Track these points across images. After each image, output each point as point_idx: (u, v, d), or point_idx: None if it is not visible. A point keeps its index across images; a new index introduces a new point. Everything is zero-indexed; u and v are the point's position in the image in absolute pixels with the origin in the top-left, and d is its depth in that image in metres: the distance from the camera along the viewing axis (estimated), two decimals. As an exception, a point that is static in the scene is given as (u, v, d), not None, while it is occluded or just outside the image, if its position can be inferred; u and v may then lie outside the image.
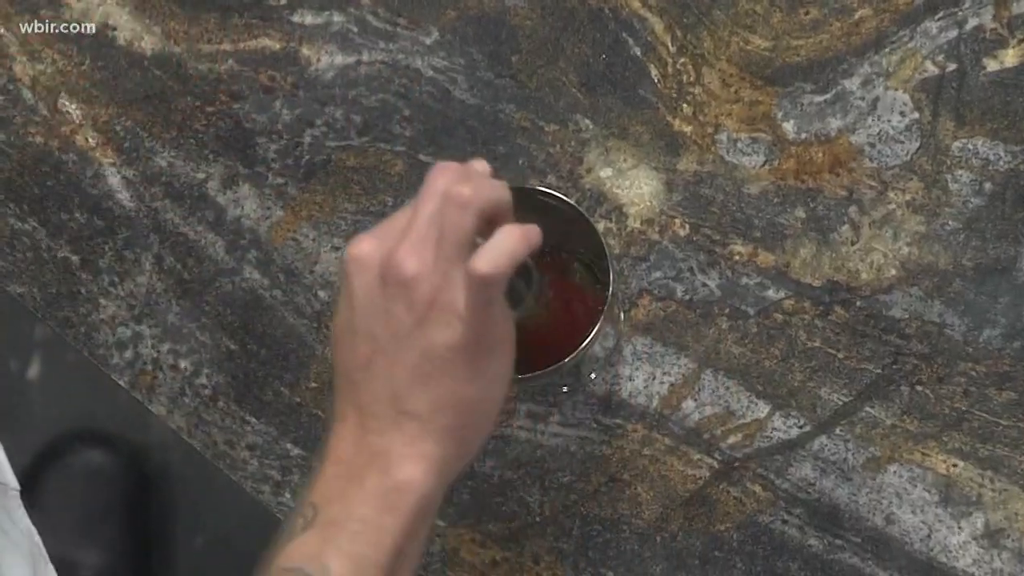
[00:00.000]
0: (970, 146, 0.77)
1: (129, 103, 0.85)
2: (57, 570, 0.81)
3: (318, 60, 0.84)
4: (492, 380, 0.59)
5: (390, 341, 0.57)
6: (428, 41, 0.83)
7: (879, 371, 0.75)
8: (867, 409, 0.75)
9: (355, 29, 0.84)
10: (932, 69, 0.78)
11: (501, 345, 0.59)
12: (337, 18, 0.84)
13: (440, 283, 0.56)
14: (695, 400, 0.76)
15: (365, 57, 0.84)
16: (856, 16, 0.80)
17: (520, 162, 0.81)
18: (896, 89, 0.78)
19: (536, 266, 0.62)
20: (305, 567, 0.54)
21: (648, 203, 0.79)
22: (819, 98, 0.79)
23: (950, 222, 0.76)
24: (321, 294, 0.81)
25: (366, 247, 0.57)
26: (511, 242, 0.56)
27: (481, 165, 0.59)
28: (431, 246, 0.56)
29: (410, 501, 0.56)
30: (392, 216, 0.59)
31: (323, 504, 0.57)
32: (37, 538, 0.69)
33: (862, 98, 0.78)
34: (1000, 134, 0.77)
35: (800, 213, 0.78)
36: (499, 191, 0.57)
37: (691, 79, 0.80)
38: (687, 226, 0.78)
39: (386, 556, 0.55)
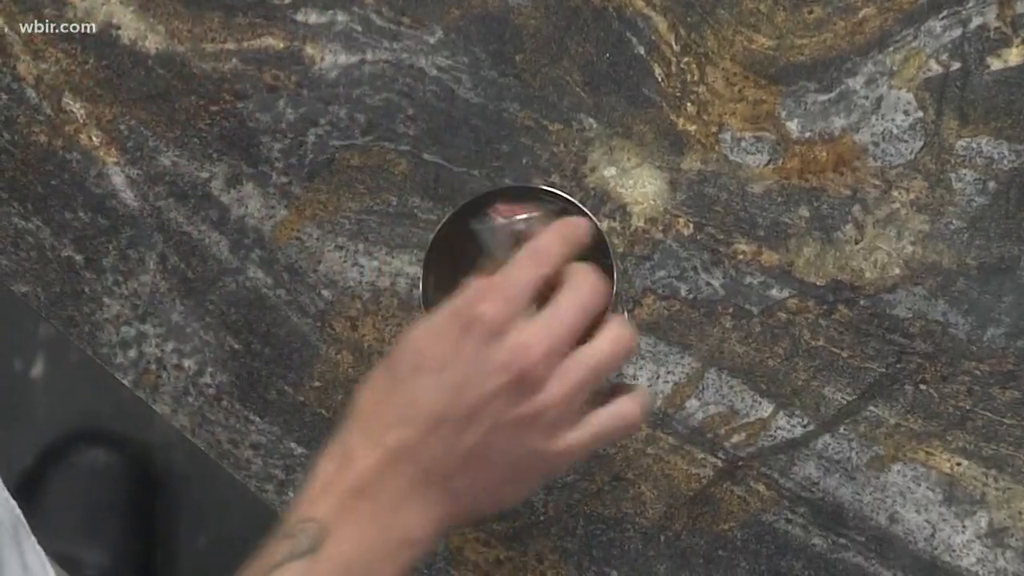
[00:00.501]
0: (974, 145, 0.77)
1: (133, 102, 0.85)
2: (61, 569, 0.81)
3: (322, 59, 0.84)
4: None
5: (489, 425, 0.56)
6: (432, 40, 0.83)
7: (883, 370, 0.75)
8: (871, 408, 0.75)
9: (359, 28, 0.84)
10: (936, 68, 0.78)
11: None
12: (341, 17, 0.84)
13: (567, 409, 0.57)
14: (699, 399, 0.76)
15: (369, 56, 0.84)
16: (860, 15, 0.80)
17: (524, 161, 0.81)
18: (900, 88, 0.78)
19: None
20: None
21: (652, 202, 0.79)
22: (823, 97, 0.79)
23: (954, 221, 0.76)
24: (325, 293, 0.81)
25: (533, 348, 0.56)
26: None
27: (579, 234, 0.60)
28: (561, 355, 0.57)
29: (414, 555, 0.56)
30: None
31: (332, 533, 0.55)
32: (18, 511, 0.69)
33: (866, 97, 0.78)
34: (1004, 133, 0.77)
35: (804, 212, 0.78)
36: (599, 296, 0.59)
37: (695, 78, 0.80)
38: (691, 225, 0.78)
39: None
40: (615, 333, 0.58)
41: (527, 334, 0.55)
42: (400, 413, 0.56)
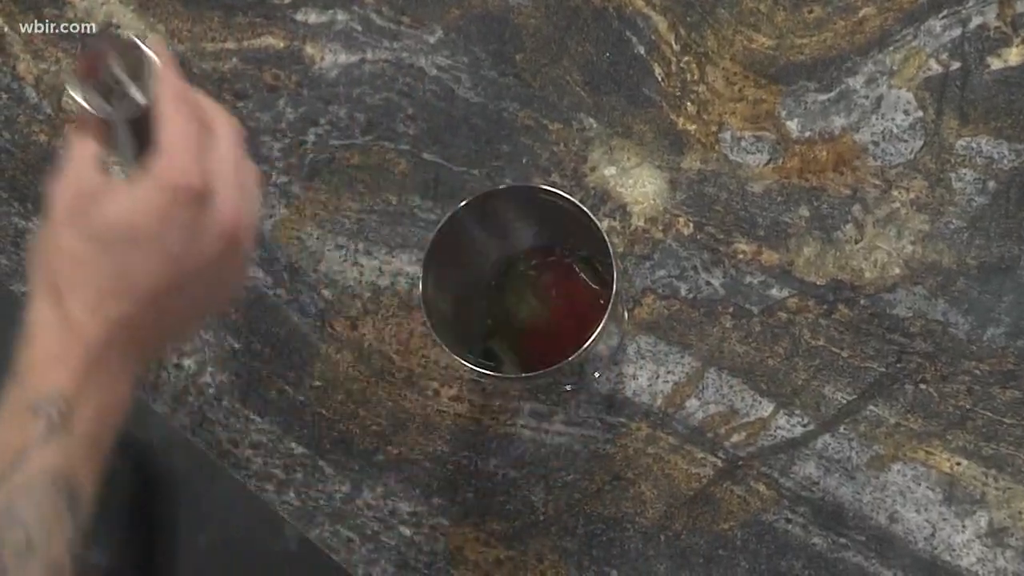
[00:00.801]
0: (974, 144, 0.77)
1: (133, 102, 0.85)
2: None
3: (322, 59, 0.84)
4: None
5: (203, 285, 0.58)
6: (432, 40, 0.83)
7: (883, 370, 0.75)
8: (871, 408, 0.75)
9: (359, 28, 0.84)
10: (936, 67, 0.78)
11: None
12: (341, 17, 0.84)
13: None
14: (699, 399, 0.76)
15: (369, 55, 0.84)
16: (860, 14, 0.80)
17: (524, 161, 0.81)
18: (900, 87, 0.78)
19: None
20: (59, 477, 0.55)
21: (652, 202, 0.79)
22: (823, 96, 0.79)
23: (954, 220, 0.76)
24: (325, 292, 0.81)
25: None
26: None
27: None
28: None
29: (126, 412, 0.58)
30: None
31: (76, 409, 0.56)
32: None
33: (866, 96, 0.78)
34: (1004, 132, 0.77)
35: (804, 211, 0.78)
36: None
37: (695, 77, 0.80)
38: (691, 225, 0.78)
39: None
40: (249, 172, 0.60)
41: (228, 195, 0.57)
42: (115, 285, 0.57)
